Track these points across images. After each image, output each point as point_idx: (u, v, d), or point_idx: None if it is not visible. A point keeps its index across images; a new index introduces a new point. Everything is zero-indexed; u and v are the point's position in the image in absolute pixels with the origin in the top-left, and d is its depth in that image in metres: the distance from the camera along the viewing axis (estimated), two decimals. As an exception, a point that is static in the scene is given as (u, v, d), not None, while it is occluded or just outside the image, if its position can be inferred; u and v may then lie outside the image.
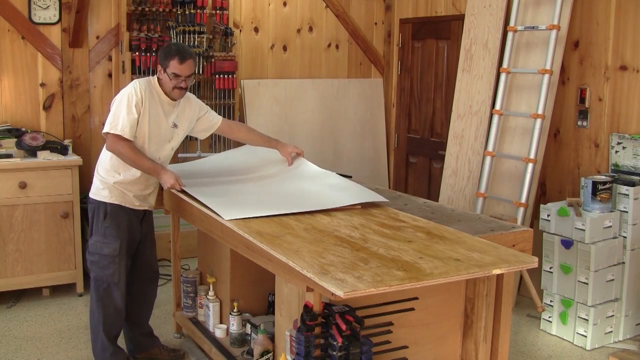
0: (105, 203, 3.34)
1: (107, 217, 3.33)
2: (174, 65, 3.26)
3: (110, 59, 5.26)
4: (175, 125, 3.43)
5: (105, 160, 3.36)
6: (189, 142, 5.36)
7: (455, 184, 5.03)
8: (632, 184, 3.98)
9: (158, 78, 3.36)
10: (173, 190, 3.34)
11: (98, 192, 3.36)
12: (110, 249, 3.32)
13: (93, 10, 5.12)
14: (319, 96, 5.95)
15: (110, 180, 3.34)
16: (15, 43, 4.92)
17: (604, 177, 4.03)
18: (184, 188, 3.28)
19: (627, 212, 3.97)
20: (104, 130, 3.24)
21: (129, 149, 3.21)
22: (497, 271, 2.31)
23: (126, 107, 3.21)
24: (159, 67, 3.32)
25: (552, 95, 4.47)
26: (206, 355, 3.66)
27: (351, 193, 3.24)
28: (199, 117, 3.59)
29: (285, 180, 3.54)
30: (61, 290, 4.67)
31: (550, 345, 4.05)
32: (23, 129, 4.77)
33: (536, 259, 2.42)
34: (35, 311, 4.39)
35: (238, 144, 4.03)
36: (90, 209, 3.40)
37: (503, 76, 4.62)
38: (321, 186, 3.40)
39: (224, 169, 3.77)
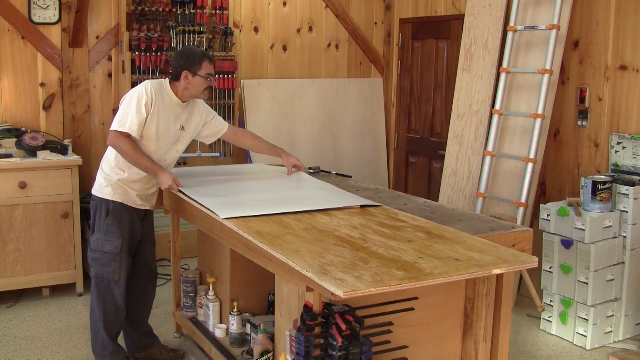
0: (108, 200, 3.34)
1: (110, 214, 3.33)
2: (207, 67, 3.32)
3: (110, 59, 5.26)
4: (182, 128, 3.44)
5: (111, 158, 3.36)
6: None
7: (455, 184, 5.02)
8: (632, 184, 3.98)
9: (171, 82, 3.36)
10: (172, 191, 3.34)
11: (101, 189, 3.36)
12: (111, 247, 3.32)
13: (93, 10, 5.12)
14: (319, 96, 5.95)
15: (114, 177, 3.33)
16: (15, 43, 4.92)
17: (604, 177, 4.03)
18: (181, 189, 3.29)
19: (627, 212, 3.97)
20: (112, 128, 3.24)
21: (130, 146, 3.21)
22: (497, 271, 2.31)
23: (136, 106, 3.22)
24: (185, 73, 3.31)
25: (552, 95, 4.47)
26: (206, 355, 3.66)
27: (348, 198, 3.27)
28: (206, 122, 3.60)
29: (283, 183, 3.58)
30: (61, 290, 4.67)
31: (550, 345, 4.05)
32: (23, 129, 4.77)
33: (536, 259, 2.42)
34: (35, 311, 4.39)
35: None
36: (92, 206, 3.40)
37: (503, 76, 4.61)
38: (319, 190, 3.44)
39: (223, 171, 3.82)
